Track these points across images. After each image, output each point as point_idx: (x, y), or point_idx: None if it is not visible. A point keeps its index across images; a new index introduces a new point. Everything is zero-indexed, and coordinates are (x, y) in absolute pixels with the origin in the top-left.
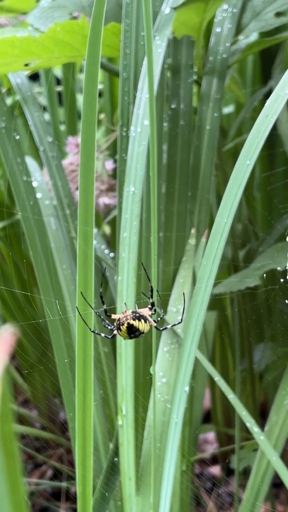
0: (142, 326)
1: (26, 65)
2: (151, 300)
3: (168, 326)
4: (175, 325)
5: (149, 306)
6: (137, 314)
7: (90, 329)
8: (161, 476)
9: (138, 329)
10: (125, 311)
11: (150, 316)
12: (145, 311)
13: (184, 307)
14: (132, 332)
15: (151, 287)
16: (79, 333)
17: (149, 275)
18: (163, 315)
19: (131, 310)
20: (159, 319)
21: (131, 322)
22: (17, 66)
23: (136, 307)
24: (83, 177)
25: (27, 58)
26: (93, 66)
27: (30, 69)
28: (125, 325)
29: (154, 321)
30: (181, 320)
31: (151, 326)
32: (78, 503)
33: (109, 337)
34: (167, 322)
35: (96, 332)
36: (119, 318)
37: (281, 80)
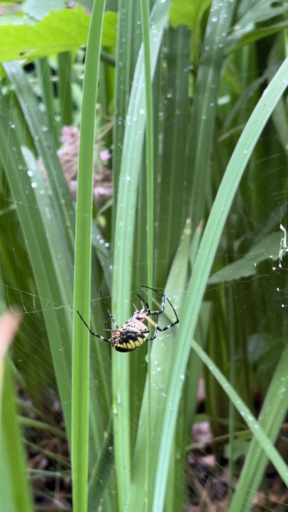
0: (131, 345)
1: (22, 54)
2: (140, 313)
3: (169, 326)
4: (173, 324)
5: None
6: (125, 336)
7: (90, 331)
8: (155, 464)
9: (127, 349)
10: (115, 332)
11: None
12: (140, 323)
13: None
14: (122, 351)
15: (147, 304)
16: (76, 325)
17: (145, 266)
18: (163, 310)
19: (120, 330)
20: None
21: (118, 345)
22: (13, 55)
23: (136, 313)
24: (82, 161)
25: (23, 46)
26: (93, 54)
27: (25, 58)
28: (114, 348)
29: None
30: (177, 320)
31: (145, 336)
32: (74, 491)
33: (108, 340)
34: (164, 314)
35: (96, 334)
36: (112, 337)
37: (279, 69)
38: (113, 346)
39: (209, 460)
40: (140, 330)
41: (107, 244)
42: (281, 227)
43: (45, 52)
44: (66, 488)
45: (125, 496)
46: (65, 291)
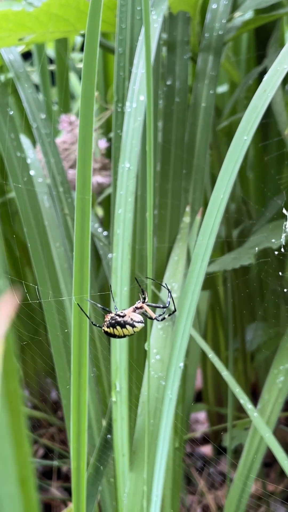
0: (118, 332)
1: (20, 40)
2: (140, 302)
3: (166, 316)
4: (171, 314)
5: (140, 304)
6: (114, 321)
7: (90, 321)
8: (154, 452)
9: (115, 335)
10: (107, 315)
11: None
12: (134, 311)
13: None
14: (111, 336)
15: (143, 290)
16: (75, 313)
17: (145, 252)
18: (168, 305)
19: (110, 316)
20: (165, 311)
21: (105, 329)
22: (11, 41)
23: (141, 303)
24: (81, 143)
25: (21, 32)
26: (92, 40)
27: (24, 43)
28: (102, 331)
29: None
30: (175, 309)
31: (138, 327)
32: (73, 478)
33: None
34: (162, 300)
35: (97, 325)
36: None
37: (279, 55)
38: (102, 328)
39: (207, 449)
40: (131, 319)
41: (105, 233)
42: (284, 211)
43: (44, 38)
44: (63, 477)
45: (124, 484)
46: (63, 279)
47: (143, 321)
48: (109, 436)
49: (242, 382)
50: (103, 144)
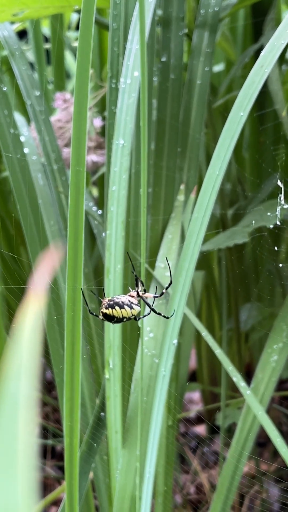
0: (117, 313)
1: (14, 15)
2: (136, 290)
3: (164, 291)
4: (167, 287)
5: (134, 292)
6: (113, 302)
7: (90, 311)
8: (147, 429)
9: (115, 316)
10: (105, 298)
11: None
12: (130, 297)
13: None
14: (110, 319)
15: (136, 276)
16: (68, 292)
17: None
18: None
19: (108, 298)
20: (163, 291)
21: (104, 311)
22: (5, 16)
23: (133, 290)
24: (76, 115)
25: (15, 7)
26: (88, 14)
27: (18, 19)
28: (100, 315)
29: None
30: (171, 282)
31: (135, 309)
32: (66, 454)
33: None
34: (155, 279)
35: (94, 314)
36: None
37: (277, 30)
38: (100, 314)
39: (200, 429)
40: (129, 301)
41: (100, 211)
42: (279, 183)
43: (38, 13)
44: (57, 456)
45: (116, 460)
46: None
47: (139, 305)
48: (102, 414)
49: (236, 362)
50: (98, 122)
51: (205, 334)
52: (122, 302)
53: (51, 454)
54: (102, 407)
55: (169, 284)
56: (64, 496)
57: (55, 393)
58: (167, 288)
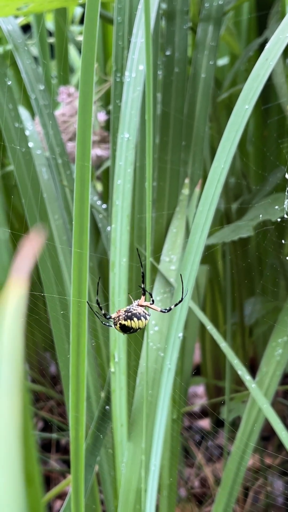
0: (135, 324)
1: (19, 9)
2: (142, 295)
3: (172, 307)
4: (177, 304)
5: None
6: (130, 313)
7: (102, 322)
8: (153, 422)
9: (132, 327)
10: (119, 311)
11: (147, 306)
12: (140, 306)
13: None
14: (126, 331)
15: (143, 274)
16: (74, 283)
17: (144, 219)
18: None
19: (124, 309)
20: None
21: (123, 322)
22: (9, 10)
23: (132, 300)
24: (81, 108)
25: (19, 1)
26: (93, 5)
27: (22, 13)
28: (118, 325)
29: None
30: (182, 299)
31: (147, 320)
32: (71, 447)
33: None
34: (161, 272)
35: (107, 324)
36: (114, 317)
37: (282, 23)
38: (116, 325)
39: (205, 423)
40: (143, 311)
41: (104, 205)
42: (287, 175)
43: (42, 7)
44: (62, 449)
45: (122, 453)
46: (62, 251)
47: (149, 314)
48: (107, 407)
49: (241, 356)
50: (102, 116)
51: (210, 327)
52: (139, 314)
53: (55, 448)
54: (108, 400)
55: (180, 301)
56: (70, 489)
57: (59, 387)
58: (176, 305)
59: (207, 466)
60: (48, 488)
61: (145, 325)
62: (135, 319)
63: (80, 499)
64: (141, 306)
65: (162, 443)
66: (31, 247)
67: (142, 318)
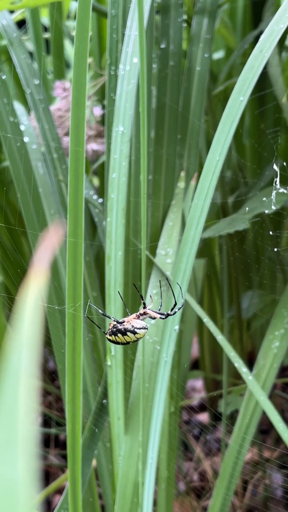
0: (120, 339)
1: (12, 3)
2: (142, 309)
3: (170, 312)
4: (176, 312)
5: (141, 312)
6: (115, 329)
7: (103, 331)
8: (150, 415)
9: (117, 342)
10: (110, 324)
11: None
12: (136, 318)
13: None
14: (115, 343)
15: (141, 295)
16: (69, 278)
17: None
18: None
19: (112, 324)
20: (176, 310)
21: (108, 337)
22: (3, 4)
23: (142, 309)
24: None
25: None
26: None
27: (16, 7)
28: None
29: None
30: (182, 305)
31: (137, 335)
32: (68, 440)
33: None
34: (156, 266)
35: (106, 332)
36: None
37: (276, 14)
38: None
39: (203, 417)
40: (132, 326)
41: (100, 200)
42: (275, 166)
43: (37, 1)
44: (61, 444)
45: (119, 447)
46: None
47: (146, 326)
48: (104, 401)
49: (238, 349)
50: (98, 111)
51: (206, 320)
52: (125, 329)
53: (54, 443)
54: (105, 394)
55: (174, 305)
56: (67, 483)
57: (58, 383)
58: (172, 309)
59: (206, 460)
60: (48, 483)
61: (137, 338)
62: (119, 335)
63: (78, 492)
64: (142, 314)
65: (160, 436)
66: (51, 240)
67: (128, 333)
